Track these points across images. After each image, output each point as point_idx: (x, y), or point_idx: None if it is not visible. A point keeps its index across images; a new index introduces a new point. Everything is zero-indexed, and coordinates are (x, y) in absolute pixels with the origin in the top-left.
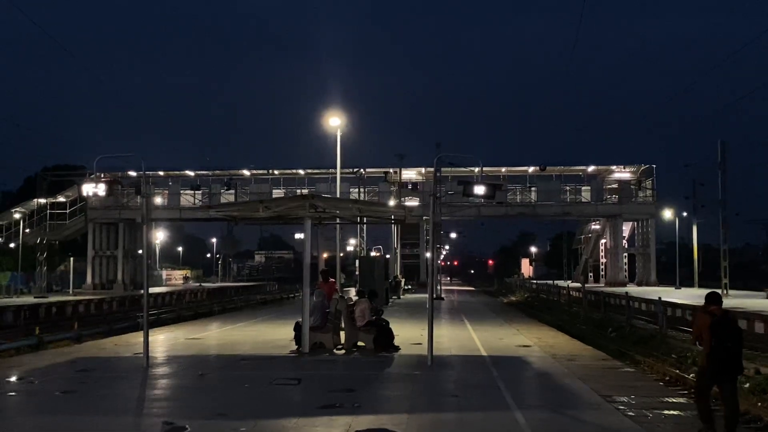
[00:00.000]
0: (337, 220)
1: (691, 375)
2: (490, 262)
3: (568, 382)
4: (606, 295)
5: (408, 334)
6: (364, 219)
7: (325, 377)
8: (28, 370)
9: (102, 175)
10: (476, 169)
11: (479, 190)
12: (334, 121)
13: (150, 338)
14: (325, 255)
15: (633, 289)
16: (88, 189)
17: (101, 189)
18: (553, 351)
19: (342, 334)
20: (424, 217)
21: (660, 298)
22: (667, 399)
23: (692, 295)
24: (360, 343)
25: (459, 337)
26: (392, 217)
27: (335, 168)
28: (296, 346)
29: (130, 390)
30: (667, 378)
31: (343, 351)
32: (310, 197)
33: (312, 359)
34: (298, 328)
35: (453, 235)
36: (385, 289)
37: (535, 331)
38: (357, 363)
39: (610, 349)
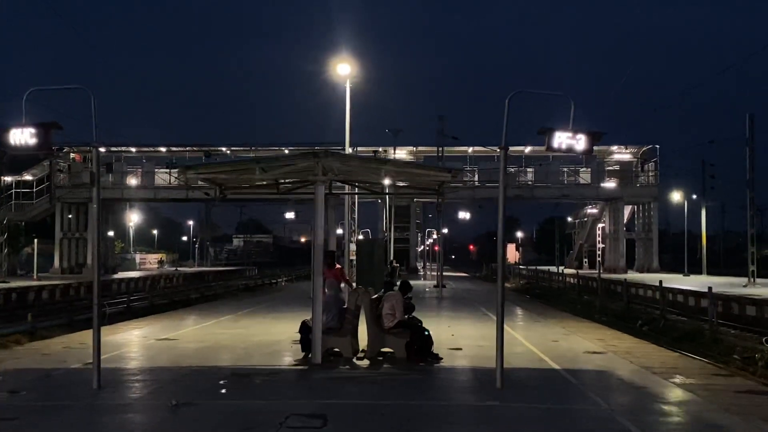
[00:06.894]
0: (347, 188)
1: None
2: (471, 247)
3: (721, 420)
4: (629, 285)
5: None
6: (384, 188)
7: (359, 410)
8: None
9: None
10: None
11: (575, 141)
12: (344, 69)
13: (112, 337)
14: (303, 239)
15: (636, 276)
16: (16, 137)
17: (31, 136)
18: (638, 360)
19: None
20: (415, 199)
21: (710, 288)
22: None
23: (706, 283)
24: (386, 350)
25: None
26: (433, 181)
27: (322, 146)
28: (302, 353)
29: None
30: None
31: (366, 361)
32: (324, 155)
33: (330, 376)
34: (305, 330)
35: (467, 216)
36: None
37: (585, 329)
38: (396, 383)
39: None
